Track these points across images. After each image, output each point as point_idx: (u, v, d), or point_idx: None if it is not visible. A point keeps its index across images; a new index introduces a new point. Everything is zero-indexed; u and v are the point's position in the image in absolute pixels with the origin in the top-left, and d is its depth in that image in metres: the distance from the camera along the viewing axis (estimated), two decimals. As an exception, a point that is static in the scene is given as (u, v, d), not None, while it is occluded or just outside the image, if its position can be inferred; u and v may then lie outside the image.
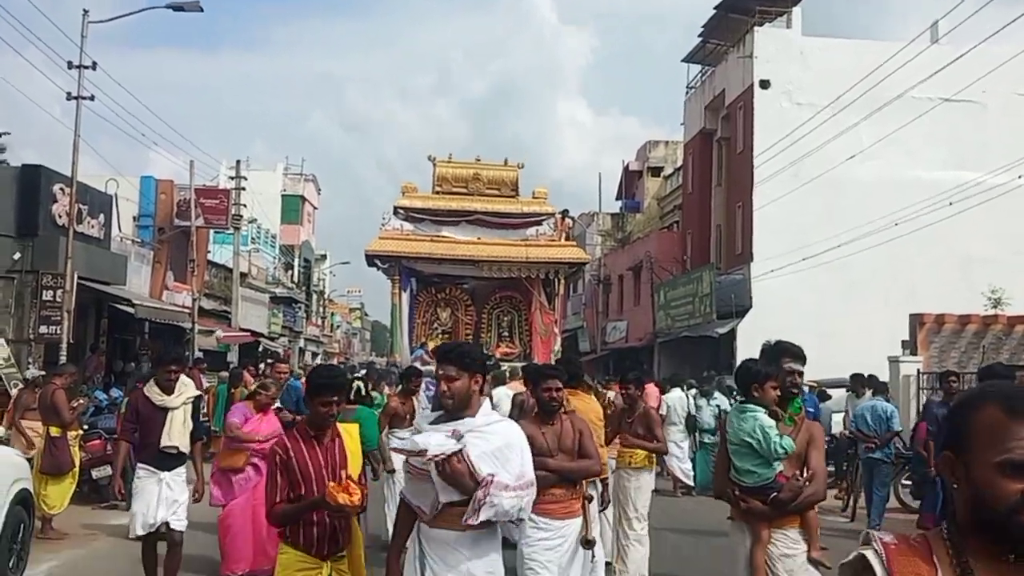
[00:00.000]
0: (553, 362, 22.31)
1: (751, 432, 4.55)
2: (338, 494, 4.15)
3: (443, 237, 22.85)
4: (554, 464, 5.51)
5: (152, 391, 7.07)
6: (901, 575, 1.74)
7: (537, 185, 24.26)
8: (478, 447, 3.96)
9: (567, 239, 24.47)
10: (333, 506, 4.17)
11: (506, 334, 23.91)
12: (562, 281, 24.69)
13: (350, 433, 4.61)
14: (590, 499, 5.85)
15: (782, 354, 4.93)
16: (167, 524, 6.92)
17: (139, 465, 7.08)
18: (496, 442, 4.03)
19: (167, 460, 6.98)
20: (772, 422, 4.55)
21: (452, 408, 4.10)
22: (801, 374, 4.95)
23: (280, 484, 4.36)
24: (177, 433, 7.00)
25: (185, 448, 7.09)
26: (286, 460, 4.38)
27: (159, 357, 7.77)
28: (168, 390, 7.05)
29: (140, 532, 6.93)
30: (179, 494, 7.03)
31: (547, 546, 5.43)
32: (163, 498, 6.91)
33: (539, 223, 23.48)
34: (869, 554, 1.79)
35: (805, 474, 4.62)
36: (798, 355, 4.97)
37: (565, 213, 24.96)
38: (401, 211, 23.00)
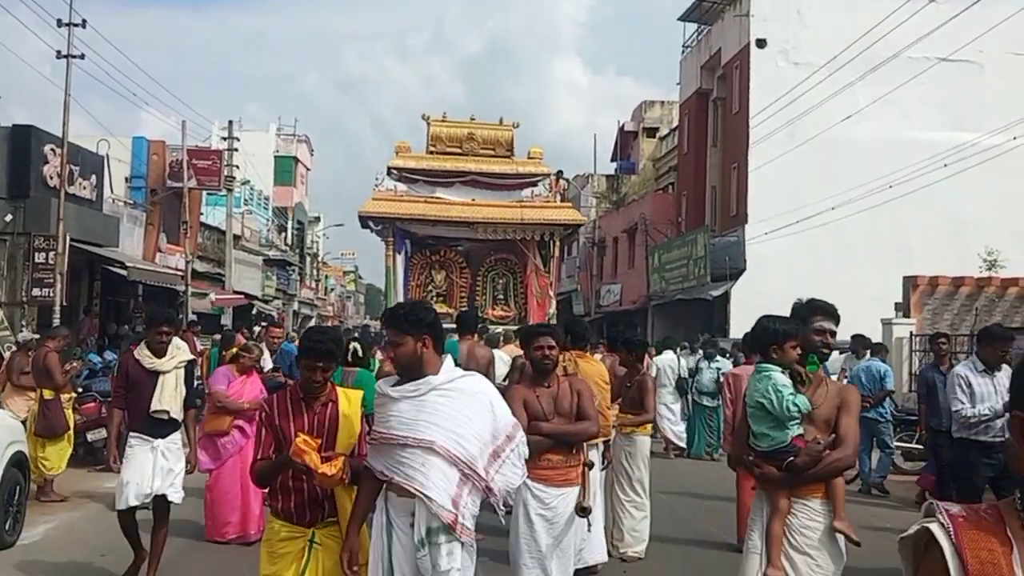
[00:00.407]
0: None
1: (764, 392, 4.25)
2: (306, 453, 3.83)
3: (437, 198, 22.65)
4: (548, 428, 5.28)
5: (143, 354, 6.69)
6: (972, 552, 1.56)
7: (532, 145, 24.09)
8: (443, 408, 3.78)
9: (562, 200, 24.32)
10: (299, 464, 3.87)
11: (501, 297, 23.82)
12: (557, 243, 24.49)
13: (350, 399, 4.30)
14: (590, 465, 5.56)
15: (814, 312, 4.63)
16: (164, 496, 6.56)
17: (131, 434, 6.67)
18: (462, 399, 3.82)
19: (159, 426, 6.61)
20: (788, 381, 4.26)
21: (401, 373, 3.91)
22: (834, 333, 4.61)
23: (264, 441, 4.18)
24: (168, 397, 6.63)
25: (177, 414, 6.72)
26: (271, 417, 4.18)
27: (150, 318, 7.28)
28: (159, 353, 6.67)
29: (134, 503, 6.52)
30: (175, 463, 6.68)
31: (541, 515, 5.24)
32: (159, 467, 6.54)
33: (534, 184, 23.29)
34: (935, 528, 1.61)
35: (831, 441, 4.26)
36: (831, 313, 4.67)
37: (559, 175, 24.72)
38: (395, 172, 22.76)
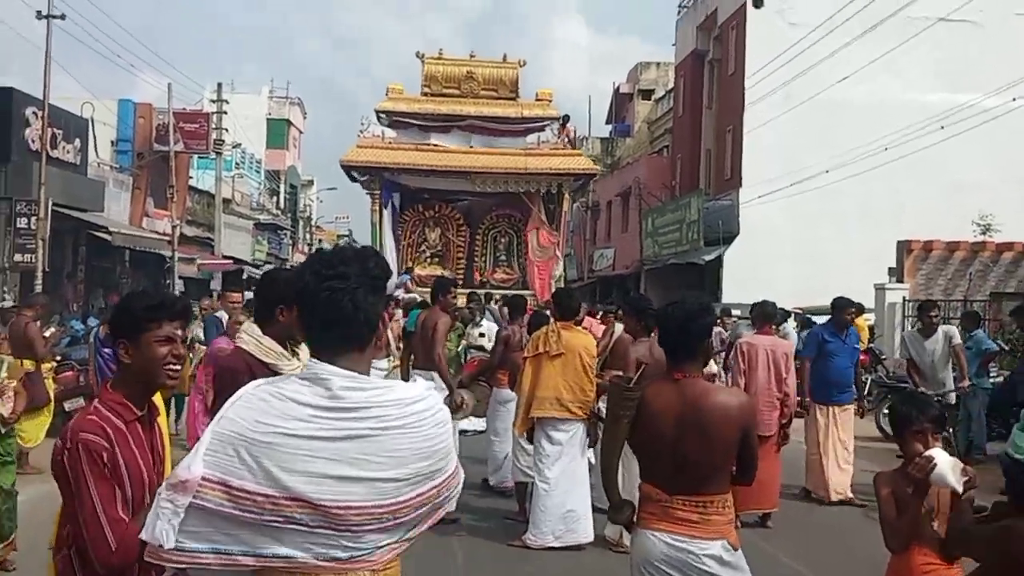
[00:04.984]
0: (553, 290, 20.65)
1: None
2: None
3: (431, 145, 20.29)
4: None
5: (262, 345, 3.50)
6: None
7: (540, 87, 21.72)
8: None
9: (571, 147, 21.76)
10: None
11: (503, 258, 21.47)
12: (566, 196, 21.53)
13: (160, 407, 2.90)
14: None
15: None
16: None
17: None
18: None
19: None
20: None
21: None
22: None
23: (118, 494, 2.46)
24: None
25: None
26: (114, 460, 2.48)
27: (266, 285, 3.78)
28: (287, 342, 3.56)
29: None
30: None
31: None
32: None
33: (541, 129, 20.88)
34: None
35: None
36: None
37: (566, 119, 22.05)
38: (384, 116, 20.51)
